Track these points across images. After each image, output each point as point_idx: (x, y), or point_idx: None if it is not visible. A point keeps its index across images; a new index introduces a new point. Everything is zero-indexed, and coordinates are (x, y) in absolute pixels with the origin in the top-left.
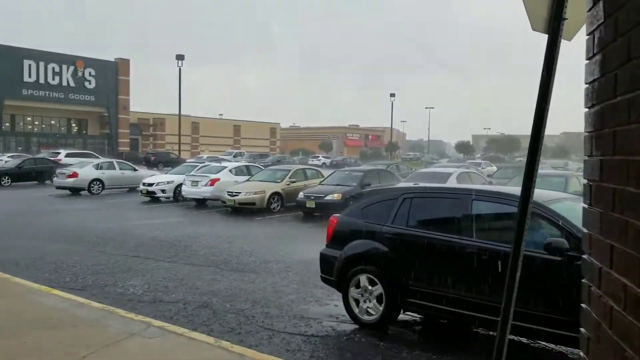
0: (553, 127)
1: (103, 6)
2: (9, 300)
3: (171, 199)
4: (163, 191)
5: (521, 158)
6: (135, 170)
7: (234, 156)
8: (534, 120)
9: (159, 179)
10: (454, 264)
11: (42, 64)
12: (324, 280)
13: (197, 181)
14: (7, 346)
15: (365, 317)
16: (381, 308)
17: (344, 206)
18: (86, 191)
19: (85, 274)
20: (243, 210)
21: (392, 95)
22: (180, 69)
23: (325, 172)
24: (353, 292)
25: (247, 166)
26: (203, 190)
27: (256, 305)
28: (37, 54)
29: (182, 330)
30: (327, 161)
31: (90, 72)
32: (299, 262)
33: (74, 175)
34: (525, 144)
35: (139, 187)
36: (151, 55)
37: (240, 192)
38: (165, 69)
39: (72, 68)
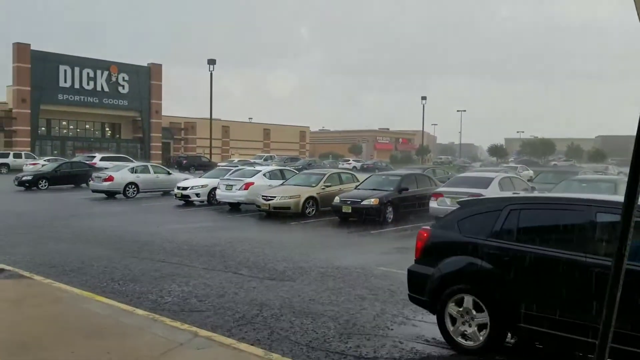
0: (588, 131)
1: (136, 12)
2: (53, 307)
3: (205, 202)
4: (197, 195)
5: (556, 162)
6: (169, 174)
7: (265, 160)
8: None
9: (193, 183)
10: (576, 284)
11: (77, 69)
12: (413, 300)
13: (232, 185)
14: (55, 357)
15: (466, 342)
16: (483, 334)
17: (381, 211)
18: (121, 194)
19: (125, 279)
20: (278, 214)
21: (424, 98)
22: (211, 73)
23: (359, 176)
24: (451, 309)
25: (281, 170)
26: (237, 195)
27: (301, 316)
28: (73, 60)
29: (230, 341)
30: (358, 165)
31: (123, 77)
32: (345, 269)
33: (110, 179)
34: (560, 147)
35: (173, 190)
36: (182, 59)
37: (275, 197)
38: (196, 73)
39: (106, 73)
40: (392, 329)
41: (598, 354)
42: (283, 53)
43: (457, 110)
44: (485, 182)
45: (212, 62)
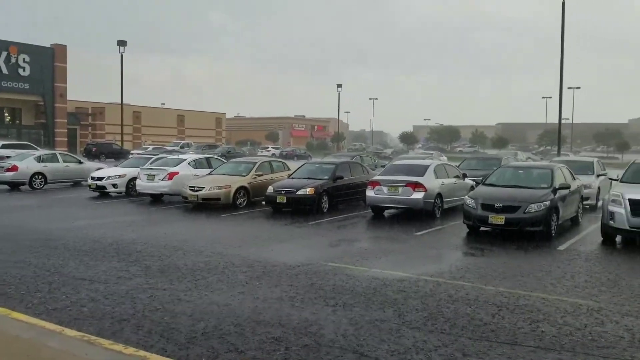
0: (489, 119)
1: None
2: None
3: (123, 194)
4: (114, 186)
5: (461, 148)
6: (80, 162)
7: (181, 147)
8: None
9: (110, 173)
10: None
11: None
12: None
13: (154, 175)
14: None
15: None
16: None
17: (317, 201)
18: (27, 186)
19: (32, 287)
20: (206, 206)
21: (339, 86)
22: (122, 55)
23: (291, 165)
24: None
25: (207, 159)
26: (160, 185)
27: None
28: None
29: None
30: (277, 152)
31: (24, 59)
32: (293, 267)
33: (14, 168)
34: (465, 134)
35: (85, 181)
36: (89, 42)
37: (203, 187)
38: (106, 57)
39: (4, 54)
40: None
41: None
42: (198, 38)
43: (370, 99)
44: (421, 170)
45: (122, 43)
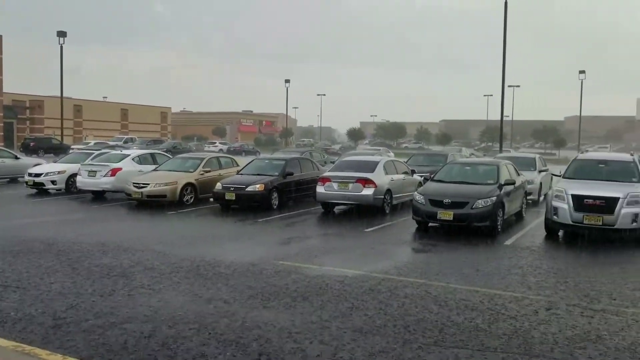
0: (433, 115)
1: None
2: None
3: (63, 191)
4: (53, 182)
5: (407, 144)
6: (17, 158)
7: (125, 142)
8: None
9: (48, 169)
10: None
11: None
12: None
13: (95, 171)
14: None
15: None
16: None
17: (267, 198)
18: None
19: None
20: (151, 203)
21: (287, 81)
22: (62, 47)
23: (240, 160)
24: None
25: (152, 154)
26: (102, 182)
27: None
28: None
29: None
30: (225, 147)
31: None
32: (243, 265)
33: None
34: (410, 130)
35: (22, 177)
36: (28, 32)
37: (148, 184)
38: (43, 48)
39: None
40: None
41: None
42: (142, 31)
43: (318, 95)
44: (371, 166)
45: (62, 34)
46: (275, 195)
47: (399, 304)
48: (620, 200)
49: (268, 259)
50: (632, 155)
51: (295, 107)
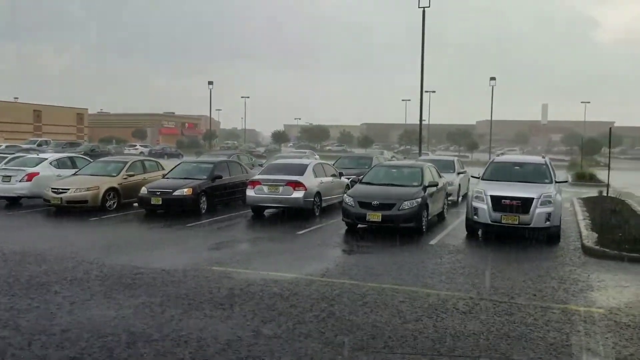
0: (354, 119)
1: None
2: None
3: None
4: None
5: (330, 147)
6: None
7: (39, 144)
8: None
9: None
10: None
11: None
12: None
13: (10, 176)
14: None
15: None
16: None
17: (195, 202)
18: None
19: None
20: (72, 210)
21: (210, 83)
22: None
23: (164, 164)
24: None
25: (71, 158)
26: (18, 187)
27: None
28: None
29: None
30: (146, 150)
31: None
32: (177, 272)
33: None
34: (334, 133)
35: None
36: None
37: (68, 189)
38: None
39: None
40: None
41: None
42: (54, 27)
43: (242, 97)
44: (301, 169)
45: None
46: (203, 199)
47: (333, 307)
48: (535, 200)
49: (199, 265)
50: (543, 157)
51: (219, 109)
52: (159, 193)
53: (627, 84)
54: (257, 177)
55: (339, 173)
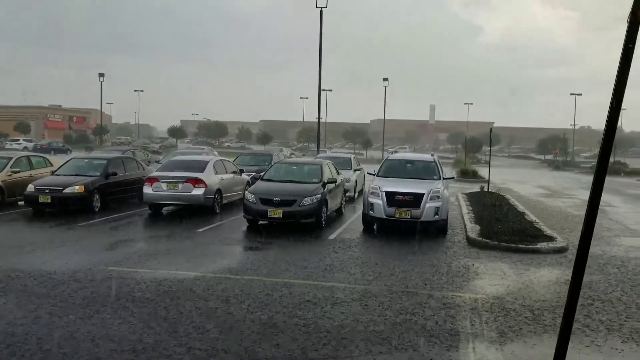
0: (253, 115)
1: None
2: None
3: None
4: None
5: (229, 144)
6: None
7: None
8: (608, 115)
9: None
10: None
11: None
12: None
13: None
14: None
15: None
16: None
17: (87, 200)
18: None
19: None
20: None
21: (101, 75)
22: None
23: (53, 160)
24: None
25: None
26: None
27: None
28: None
29: None
30: (30, 145)
31: None
32: (66, 275)
33: None
34: (232, 129)
35: None
36: None
37: None
38: None
39: None
40: None
41: None
42: None
43: (135, 90)
44: (201, 166)
45: None
46: (97, 197)
47: (236, 304)
48: (425, 195)
49: (93, 266)
50: (432, 155)
51: (110, 103)
52: (47, 191)
53: (505, 87)
54: (154, 173)
55: (240, 170)
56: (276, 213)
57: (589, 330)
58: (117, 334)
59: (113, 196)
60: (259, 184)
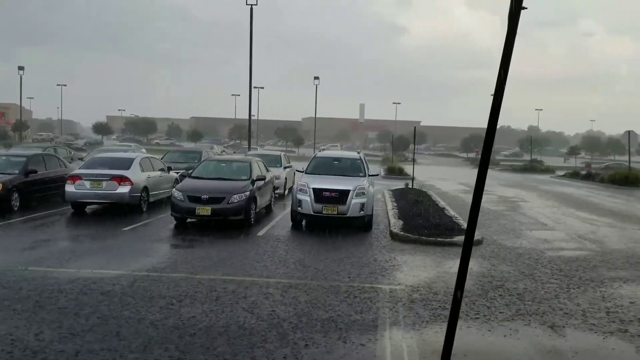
0: (183, 112)
1: None
2: None
3: None
4: None
5: (158, 140)
6: None
7: None
8: (490, 112)
9: None
10: None
11: None
12: None
13: None
14: None
15: None
16: None
17: (6, 199)
18: None
19: None
20: None
21: (21, 68)
22: None
23: None
24: None
25: None
26: None
27: None
28: None
29: None
30: None
31: None
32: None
33: None
34: (162, 126)
35: None
36: None
37: None
38: None
39: None
40: None
41: None
42: None
43: (58, 85)
44: (127, 163)
45: None
46: (15, 195)
47: (158, 300)
48: (351, 192)
49: (12, 266)
50: (358, 153)
51: (31, 98)
52: None
53: (430, 86)
54: (77, 171)
55: (168, 167)
56: (204, 210)
57: (492, 315)
58: (19, 334)
59: (33, 195)
60: (187, 182)
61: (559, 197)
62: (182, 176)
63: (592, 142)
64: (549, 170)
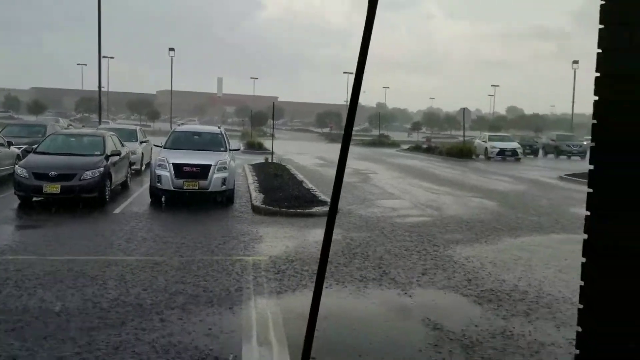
0: (21, 82)
1: None
2: None
3: None
4: None
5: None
6: None
7: None
8: (352, 93)
9: None
10: None
11: None
12: None
13: None
14: None
15: None
16: None
17: None
18: None
19: None
20: None
21: None
22: None
23: None
24: None
25: None
26: None
27: None
28: None
29: None
30: None
31: None
32: None
33: None
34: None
35: None
36: None
37: None
38: None
39: None
40: None
41: None
42: None
43: None
44: None
45: None
46: None
47: (12, 285)
48: (212, 167)
49: None
50: (219, 127)
51: None
52: None
53: (287, 62)
54: None
55: (8, 142)
56: (53, 188)
57: (350, 277)
58: None
59: None
60: (32, 157)
61: (404, 169)
62: (26, 152)
63: (432, 118)
64: (394, 144)
